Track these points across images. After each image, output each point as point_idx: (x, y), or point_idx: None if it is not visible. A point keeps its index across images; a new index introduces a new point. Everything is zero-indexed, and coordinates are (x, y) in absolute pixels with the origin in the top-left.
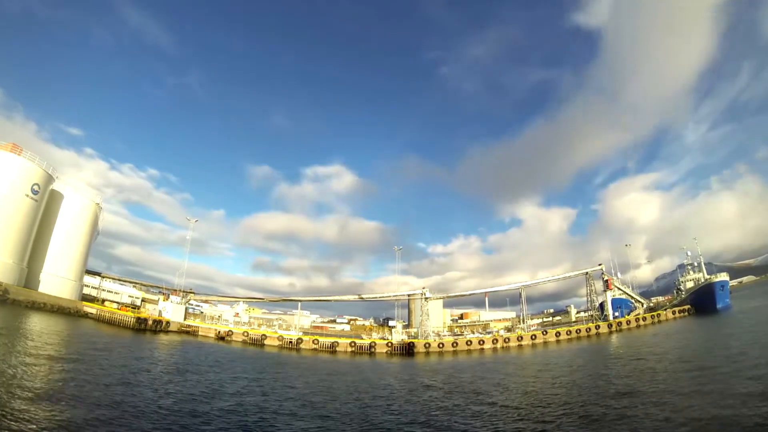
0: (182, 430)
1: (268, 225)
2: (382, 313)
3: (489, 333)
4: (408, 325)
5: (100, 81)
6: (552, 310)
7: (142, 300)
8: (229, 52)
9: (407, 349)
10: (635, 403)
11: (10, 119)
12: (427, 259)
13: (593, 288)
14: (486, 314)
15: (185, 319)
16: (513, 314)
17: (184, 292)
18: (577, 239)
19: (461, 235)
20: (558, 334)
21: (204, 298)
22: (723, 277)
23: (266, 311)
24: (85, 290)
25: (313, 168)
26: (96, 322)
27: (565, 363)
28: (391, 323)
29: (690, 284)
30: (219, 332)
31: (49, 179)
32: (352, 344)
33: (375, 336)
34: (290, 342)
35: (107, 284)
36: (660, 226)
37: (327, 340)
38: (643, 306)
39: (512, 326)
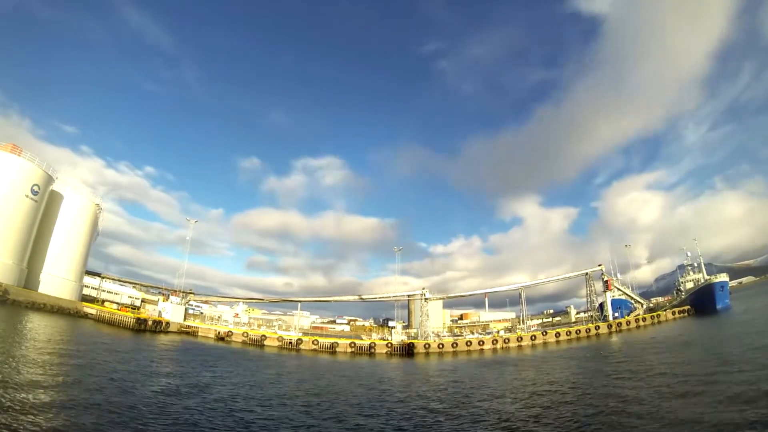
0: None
1: (265, 223)
2: (382, 314)
3: (489, 334)
4: (408, 326)
5: (96, 78)
6: (552, 311)
7: (142, 301)
8: (226, 50)
9: (407, 350)
10: (633, 405)
11: (6, 116)
12: (426, 259)
13: (593, 289)
14: (486, 315)
15: (185, 319)
16: (513, 315)
17: (183, 292)
18: (577, 239)
19: (461, 235)
20: (558, 334)
21: (204, 298)
22: (723, 277)
23: (266, 312)
24: (85, 291)
25: (308, 161)
26: (96, 322)
27: (565, 364)
28: (390, 324)
29: (690, 285)
30: (219, 333)
31: (49, 180)
32: (352, 345)
33: (375, 336)
34: (290, 342)
35: (107, 285)
36: (661, 227)
37: (327, 341)
38: (642, 306)
39: (512, 327)
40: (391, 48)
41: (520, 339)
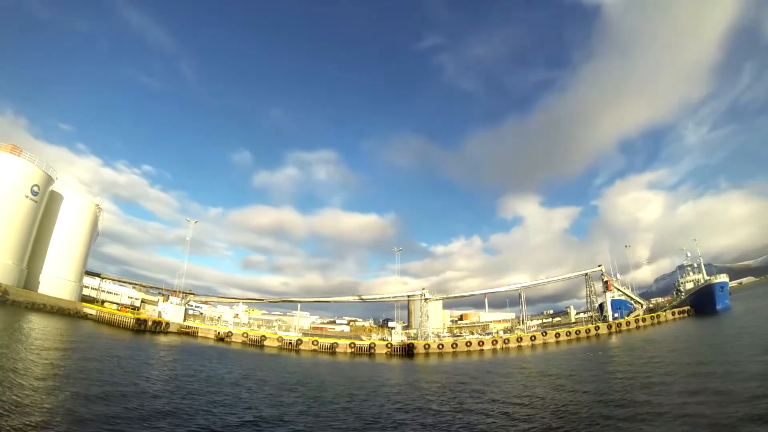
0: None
1: (261, 221)
2: (382, 314)
3: (489, 334)
4: (407, 326)
5: (92, 76)
6: (552, 311)
7: (142, 301)
8: (224, 48)
9: (407, 350)
10: (631, 407)
11: (2, 114)
12: (427, 259)
13: (593, 289)
14: (486, 315)
15: (185, 320)
16: (513, 315)
17: (183, 293)
18: (578, 239)
19: (462, 236)
20: (557, 335)
21: (203, 299)
22: (723, 278)
23: (266, 312)
24: (85, 291)
25: (305, 155)
26: (96, 323)
27: (565, 365)
28: (390, 324)
29: (690, 285)
30: (219, 333)
31: (49, 180)
32: (352, 345)
33: (374, 337)
34: (290, 343)
35: (107, 285)
36: (662, 226)
37: (326, 341)
38: (642, 307)
39: (512, 327)
40: (390, 43)
41: (519, 339)
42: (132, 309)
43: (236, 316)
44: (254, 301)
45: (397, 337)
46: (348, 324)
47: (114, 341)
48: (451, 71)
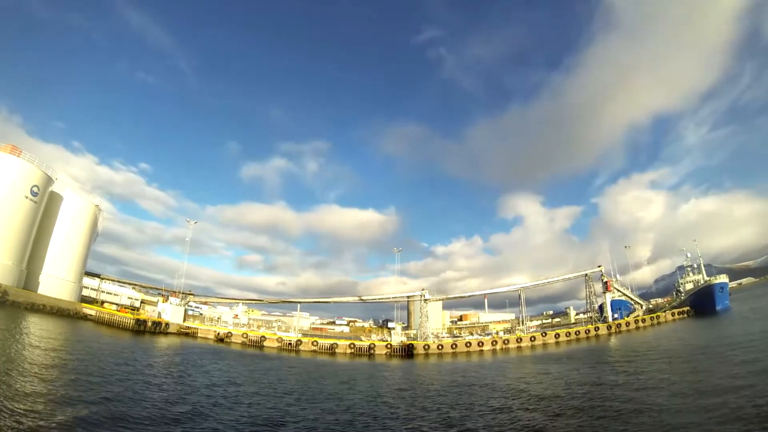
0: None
1: (256, 218)
2: (382, 315)
3: (488, 335)
4: (407, 327)
5: (87, 73)
6: (551, 312)
7: (142, 302)
8: (221, 46)
9: (406, 351)
10: (631, 408)
11: None
12: (427, 259)
13: (592, 290)
14: (485, 316)
15: (185, 320)
16: (512, 316)
17: (183, 293)
18: (579, 239)
19: (462, 236)
20: (557, 335)
21: (203, 299)
22: (722, 278)
23: (265, 313)
24: (85, 292)
25: (300, 147)
26: (95, 323)
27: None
28: (390, 325)
29: (689, 286)
30: (218, 334)
31: (49, 181)
32: (352, 346)
33: (374, 337)
34: (289, 344)
35: (106, 286)
36: (663, 226)
37: (326, 342)
38: (642, 308)
39: (512, 328)
40: (390, 39)
41: (519, 340)
42: (132, 310)
43: (236, 316)
44: (254, 301)
45: (397, 337)
46: (348, 324)
47: (114, 342)
48: (451, 64)
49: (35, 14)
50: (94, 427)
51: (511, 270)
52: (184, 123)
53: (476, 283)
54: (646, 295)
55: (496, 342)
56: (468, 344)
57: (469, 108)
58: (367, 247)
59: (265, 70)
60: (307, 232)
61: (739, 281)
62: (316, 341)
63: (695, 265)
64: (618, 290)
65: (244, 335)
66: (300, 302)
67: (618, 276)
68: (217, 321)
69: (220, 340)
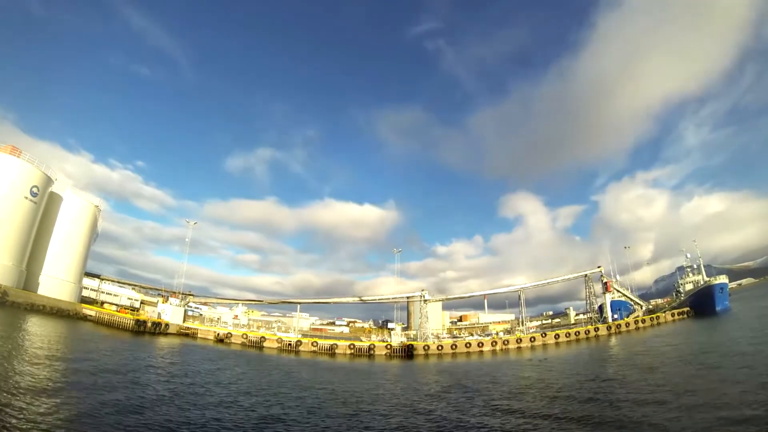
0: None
1: (252, 215)
2: (381, 315)
3: (488, 335)
4: (407, 328)
5: (83, 71)
6: (551, 313)
7: (141, 302)
8: (219, 45)
9: (406, 352)
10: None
11: None
12: (427, 259)
13: (592, 290)
14: (485, 316)
15: (184, 321)
16: (512, 316)
17: (183, 294)
18: (580, 239)
19: (463, 236)
20: (557, 336)
21: (203, 300)
22: (722, 279)
23: (265, 313)
24: (84, 292)
25: (296, 138)
26: (95, 324)
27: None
28: (390, 325)
29: (689, 286)
30: (218, 334)
31: (48, 181)
32: (351, 346)
33: (374, 338)
34: (289, 344)
35: (106, 286)
36: (664, 226)
37: (326, 343)
38: (642, 308)
39: (511, 328)
40: (389, 33)
41: (519, 341)
42: (131, 310)
43: (236, 317)
44: (253, 302)
45: (397, 338)
46: (347, 325)
47: (113, 342)
48: (451, 56)
49: (33, 12)
50: (94, 427)
51: (512, 270)
52: (180, 120)
53: (477, 284)
54: (645, 296)
55: (496, 342)
56: (468, 345)
57: (470, 95)
58: (366, 244)
59: (257, 59)
60: (301, 228)
61: (739, 282)
62: (315, 342)
63: (695, 266)
64: (618, 291)
65: (244, 336)
66: (300, 303)
67: (618, 276)
68: (217, 322)
69: (219, 340)
